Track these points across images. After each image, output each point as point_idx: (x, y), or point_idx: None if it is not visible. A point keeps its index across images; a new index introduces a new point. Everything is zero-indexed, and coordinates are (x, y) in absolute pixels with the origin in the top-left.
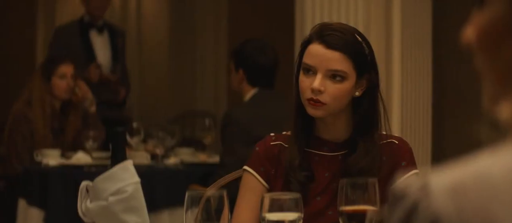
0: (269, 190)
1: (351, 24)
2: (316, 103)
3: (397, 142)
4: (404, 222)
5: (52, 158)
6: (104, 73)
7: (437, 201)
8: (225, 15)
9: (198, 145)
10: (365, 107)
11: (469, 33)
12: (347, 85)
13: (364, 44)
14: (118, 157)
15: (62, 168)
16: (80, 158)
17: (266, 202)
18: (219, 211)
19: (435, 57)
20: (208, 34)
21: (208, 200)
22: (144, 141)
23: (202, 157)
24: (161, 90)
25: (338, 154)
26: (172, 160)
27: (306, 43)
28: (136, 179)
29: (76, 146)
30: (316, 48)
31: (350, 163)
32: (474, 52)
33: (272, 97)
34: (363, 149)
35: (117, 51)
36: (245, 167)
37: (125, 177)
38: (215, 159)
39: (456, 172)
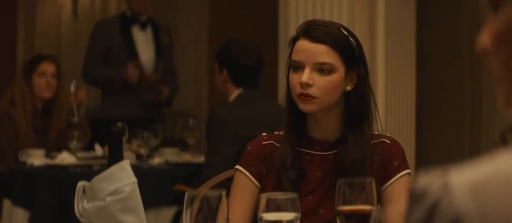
0: (261, 189)
1: None
2: (306, 97)
3: (389, 141)
4: (424, 221)
5: (36, 158)
6: (146, 73)
7: (458, 199)
8: (206, 14)
9: (180, 145)
10: (355, 100)
11: (484, 38)
12: (335, 77)
13: (350, 38)
14: (115, 157)
15: (46, 168)
16: (65, 158)
17: (263, 202)
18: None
19: (418, 60)
20: (189, 33)
21: (206, 199)
22: (129, 141)
23: (186, 157)
24: None
25: (330, 153)
26: (156, 160)
27: (293, 41)
28: (133, 179)
29: (60, 146)
30: (302, 44)
31: (342, 157)
32: (489, 57)
33: (257, 97)
34: (354, 142)
35: (160, 49)
36: (237, 167)
37: (122, 177)
38: (200, 159)
39: (477, 170)
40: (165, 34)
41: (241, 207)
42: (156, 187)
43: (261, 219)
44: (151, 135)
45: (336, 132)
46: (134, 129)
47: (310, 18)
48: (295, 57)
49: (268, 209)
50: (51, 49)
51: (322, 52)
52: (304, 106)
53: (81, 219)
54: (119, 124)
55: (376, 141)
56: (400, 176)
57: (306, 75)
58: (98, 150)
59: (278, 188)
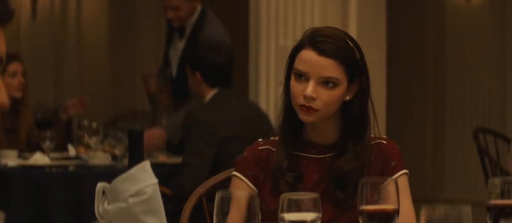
0: (258, 194)
1: (307, 25)
2: (308, 109)
3: (385, 142)
4: None
5: (10, 158)
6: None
7: None
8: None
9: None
10: (356, 111)
11: None
12: (339, 91)
13: (355, 49)
14: (135, 158)
15: (22, 168)
16: (38, 158)
17: (284, 202)
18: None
19: (388, 61)
20: (147, 33)
21: (223, 201)
22: (102, 142)
23: (161, 158)
24: (101, 90)
25: (326, 156)
26: None
27: (297, 49)
28: (154, 180)
29: (31, 145)
30: (308, 55)
31: (339, 166)
32: None
33: (232, 96)
34: (353, 153)
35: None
36: (234, 173)
37: (144, 178)
38: (174, 160)
39: None
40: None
41: (239, 212)
42: None
43: (282, 219)
44: (125, 135)
45: (333, 136)
46: (108, 129)
47: (281, 17)
48: (299, 66)
49: (289, 210)
50: (10, 49)
51: (329, 66)
52: (305, 117)
53: (101, 221)
54: (94, 125)
55: (372, 142)
56: (398, 176)
57: (310, 89)
58: (71, 150)
59: (275, 191)
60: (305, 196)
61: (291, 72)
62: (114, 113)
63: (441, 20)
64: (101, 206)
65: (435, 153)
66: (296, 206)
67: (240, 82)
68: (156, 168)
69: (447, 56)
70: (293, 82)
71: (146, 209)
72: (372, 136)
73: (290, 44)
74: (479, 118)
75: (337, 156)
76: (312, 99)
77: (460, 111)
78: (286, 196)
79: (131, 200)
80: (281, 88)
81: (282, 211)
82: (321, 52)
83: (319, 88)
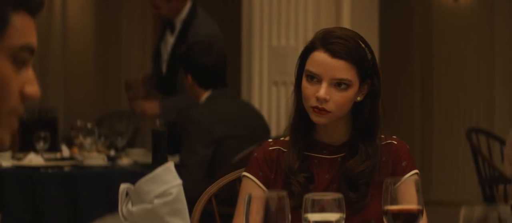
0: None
1: (300, 25)
2: (321, 111)
3: (395, 142)
4: None
5: (4, 159)
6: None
7: None
8: (151, 15)
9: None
10: (367, 112)
11: None
12: (351, 92)
13: (367, 50)
14: (159, 158)
15: (17, 169)
16: (32, 159)
17: (308, 203)
18: (281, 213)
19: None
20: (133, 33)
21: (266, 201)
22: (95, 141)
23: None
24: (86, 90)
25: (338, 157)
26: (125, 161)
27: (309, 50)
28: (179, 181)
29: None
30: (321, 56)
31: (351, 166)
32: None
33: (227, 96)
34: (365, 153)
35: (176, 62)
36: (244, 173)
37: (168, 179)
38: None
39: None
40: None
41: (250, 212)
42: None
43: (306, 219)
44: (118, 135)
45: (344, 137)
46: (101, 129)
47: (274, 18)
48: (312, 68)
49: (313, 210)
50: None
51: (342, 68)
52: (317, 119)
53: (125, 222)
54: (89, 126)
55: (383, 143)
56: (409, 176)
57: (323, 90)
58: (65, 151)
59: (287, 191)
60: (329, 196)
61: (302, 73)
62: (99, 114)
63: (428, 20)
64: (125, 208)
65: (423, 154)
66: (319, 207)
67: (233, 82)
68: (150, 169)
69: (435, 56)
70: (305, 83)
71: (171, 210)
72: (382, 136)
73: (283, 44)
74: (467, 118)
75: (348, 157)
76: (325, 100)
77: (448, 112)
78: (310, 196)
79: (156, 201)
80: (274, 89)
81: (306, 211)
82: (334, 53)
83: (332, 89)
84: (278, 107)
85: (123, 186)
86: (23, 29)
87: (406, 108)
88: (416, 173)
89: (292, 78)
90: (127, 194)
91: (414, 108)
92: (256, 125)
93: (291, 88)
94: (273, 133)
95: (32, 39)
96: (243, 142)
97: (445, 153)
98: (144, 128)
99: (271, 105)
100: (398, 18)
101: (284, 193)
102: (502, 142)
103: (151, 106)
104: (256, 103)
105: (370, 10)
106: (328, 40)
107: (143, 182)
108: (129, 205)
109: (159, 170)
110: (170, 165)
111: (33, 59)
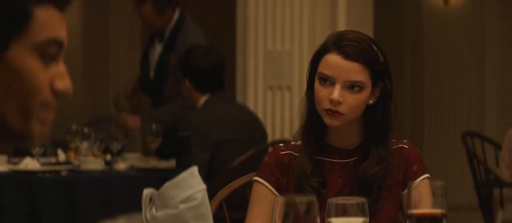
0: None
1: (296, 30)
2: (334, 113)
3: (406, 147)
4: None
5: (0, 163)
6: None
7: None
8: (139, 19)
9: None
10: (379, 115)
11: None
12: (364, 95)
13: (379, 53)
14: (182, 163)
15: (13, 173)
16: (28, 163)
17: (331, 207)
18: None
19: None
20: (122, 37)
21: (293, 205)
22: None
23: (153, 163)
24: (75, 93)
25: (350, 161)
26: (121, 165)
27: (321, 53)
28: (203, 186)
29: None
30: (334, 59)
31: (363, 170)
32: None
33: (225, 101)
34: (377, 157)
35: (162, 69)
36: (256, 178)
37: (193, 184)
38: (166, 164)
39: None
40: (174, 53)
41: (262, 217)
42: (127, 193)
43: None
44: (113, 140)
45: (356, 140)
46: (96, 134)
47: (269, 20)
48: (325, 70)
49: (336, 214)
50: None
51: (355, 70)
52: (330, 122)
53: None
54: (85, 130)
55: (394, 147)
56: (420, 181)
57: (337, 93)
58: (61, 155)
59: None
60: (352, 200)
61: (314, 77)
62: (88, 117)
63: (419, 23)
64: (148, 213)
65: None
66: (343, 211)
67: (228, 86)
68: (148, 173)
69: (426, 59)
70: (317, 86)
71: (196, 215)
72: (393, 140)
73: (278, 48)
74: (458, 121)
75: (361, 161)
76: (338, 103)
77: (439, 114)
78: (333, 201)
79: (181, 206)
80: (270, 93)
81: (329, 216)
82: (347, 56)
83: (345, 92)
84: (273, 111)
85: (147, 191)
86: (49, 23)
87: (397, 111)
88: (427, 177)
89: (287, 82)
90: (150, 199)
91: (404, 111)
92: (254, 129)
93: (287, 92)
94: (269, 137)
95: (59, 32)
96: (241, 146)
97: (437, 156)
98: (134, 133)
99: (266, 109)
100: (389, 21)
101: (313, 198)
102: (496, 146)
103: (133, 120)
104: (251, 107)
105: (365, 15)
106: (341, 43)
107: (167, 187)
108: (153, 210)
109: (184, 175)
110: (194, 170)
111: (64, 53)
